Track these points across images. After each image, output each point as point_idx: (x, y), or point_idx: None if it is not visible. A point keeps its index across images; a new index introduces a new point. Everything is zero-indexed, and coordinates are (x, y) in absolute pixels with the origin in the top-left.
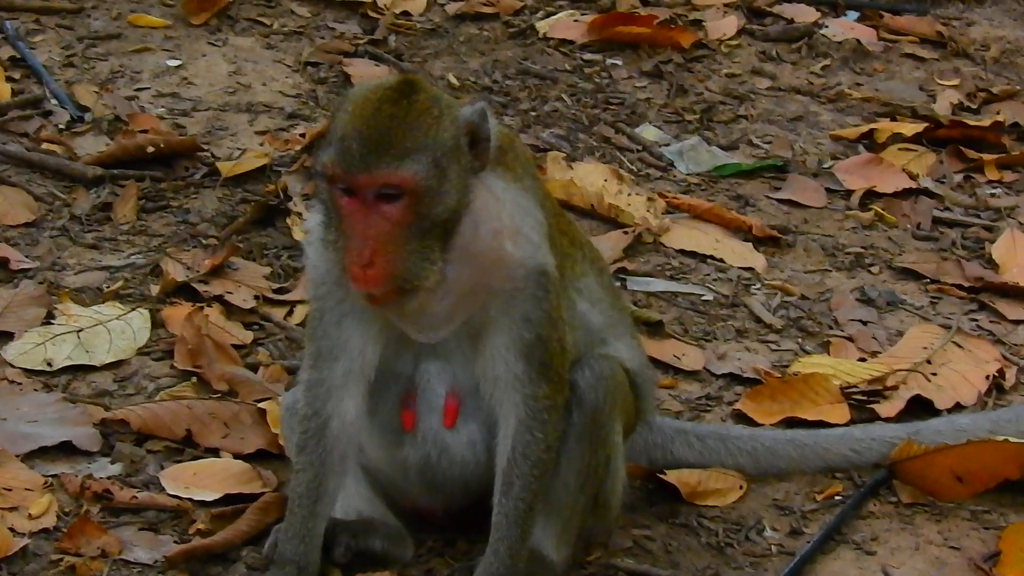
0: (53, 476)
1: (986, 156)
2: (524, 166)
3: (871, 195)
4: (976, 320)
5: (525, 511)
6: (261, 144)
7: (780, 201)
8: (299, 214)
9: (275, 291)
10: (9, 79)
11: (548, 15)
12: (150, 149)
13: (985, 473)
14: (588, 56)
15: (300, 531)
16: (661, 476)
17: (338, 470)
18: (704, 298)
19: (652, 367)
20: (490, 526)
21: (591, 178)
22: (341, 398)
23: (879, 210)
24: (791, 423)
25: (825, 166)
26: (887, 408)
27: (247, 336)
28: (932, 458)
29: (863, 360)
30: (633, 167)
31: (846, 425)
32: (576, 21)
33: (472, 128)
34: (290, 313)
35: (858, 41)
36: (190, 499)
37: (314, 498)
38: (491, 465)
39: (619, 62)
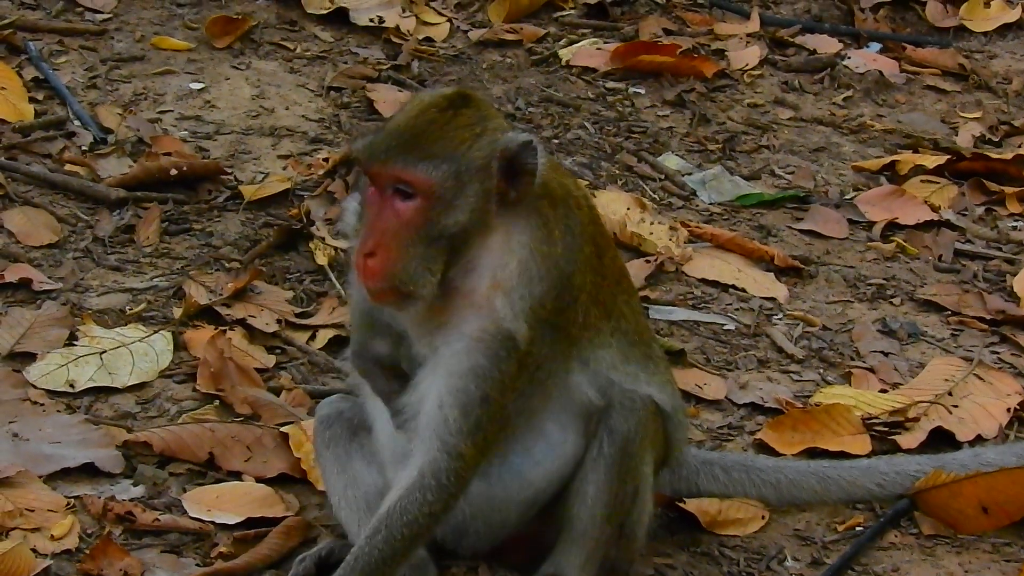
0: (75, 498)
1: (1008, 189)
2: (566, 228)
3: (893, 227)
4: (997, 353)
5: (378, 562)
6: (284, 168)
7: (802, 231)
8: (322, 238)
9: (298, 315)
10: (33, 100)
11: (571, 43)
12: (173, 172)
13: (1012, 505)
14: (611, 84)
15: None
16: (680, 505)
17: None
18: (726, 328)
19: (685, 414)
20: (512, 558)
21: (614, 206)
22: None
23: (901, 242)
24: (812, 453)
25: (847, 197)
26: (908, 440)
27: (270, 360)
28: (960, 487)
29: (884, 391)
30: (655, 196)
31: (867, 456)
32: (599, 49)
33: (509, 156)
34: (312, 337)
35: (880, 73)
36: (212, 522)
37: None
38: (511, 505)
39: (642, 91)
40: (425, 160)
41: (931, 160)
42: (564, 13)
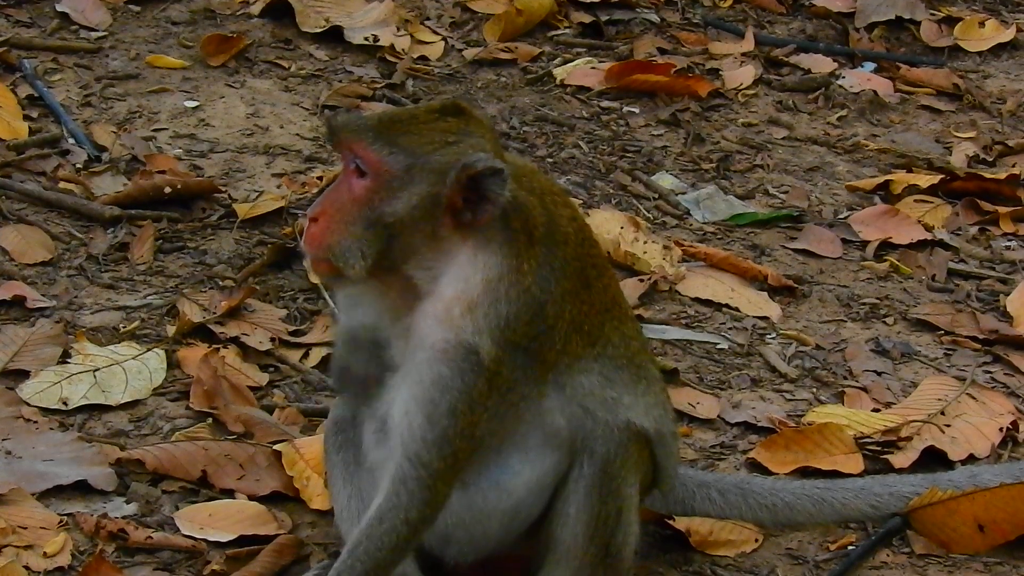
0: (68, 515)
1: (1001, 209)
2: (543, 263)
3: (886, 246)
4: (990, 372)
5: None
6: (278, 186)
7: (796, 251)
8: None
9: (291, 334)
10: (27, 118)
11: (566, 62)
12: (167, 190)
13: (1009, 523)
14: (605, 103)
15: None
16: (670, 523)
17: None
18: (719, 347)
19: (676, 437)
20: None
21: (607, 225)
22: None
23: (894, 261)
24: (805, 473)
25: (841, 217)
26: (901, 459)
27: (263, 378)
28: (956, 504)
29: (877, 411)
30: (649, 215)
31: (860, 475)
32: (593, 68)
33: (471, 173)
34: (306, 356)
35: (875, 92)
36: (205, 540)
37: None
38: (492, 514)
39: (636, 110)
40: (385, 144)
41: (925, 180)
42: (559, 32)
